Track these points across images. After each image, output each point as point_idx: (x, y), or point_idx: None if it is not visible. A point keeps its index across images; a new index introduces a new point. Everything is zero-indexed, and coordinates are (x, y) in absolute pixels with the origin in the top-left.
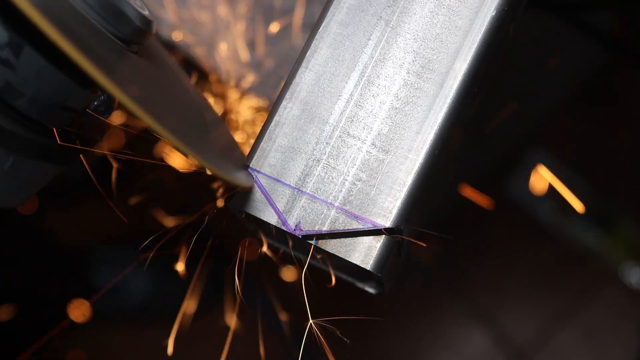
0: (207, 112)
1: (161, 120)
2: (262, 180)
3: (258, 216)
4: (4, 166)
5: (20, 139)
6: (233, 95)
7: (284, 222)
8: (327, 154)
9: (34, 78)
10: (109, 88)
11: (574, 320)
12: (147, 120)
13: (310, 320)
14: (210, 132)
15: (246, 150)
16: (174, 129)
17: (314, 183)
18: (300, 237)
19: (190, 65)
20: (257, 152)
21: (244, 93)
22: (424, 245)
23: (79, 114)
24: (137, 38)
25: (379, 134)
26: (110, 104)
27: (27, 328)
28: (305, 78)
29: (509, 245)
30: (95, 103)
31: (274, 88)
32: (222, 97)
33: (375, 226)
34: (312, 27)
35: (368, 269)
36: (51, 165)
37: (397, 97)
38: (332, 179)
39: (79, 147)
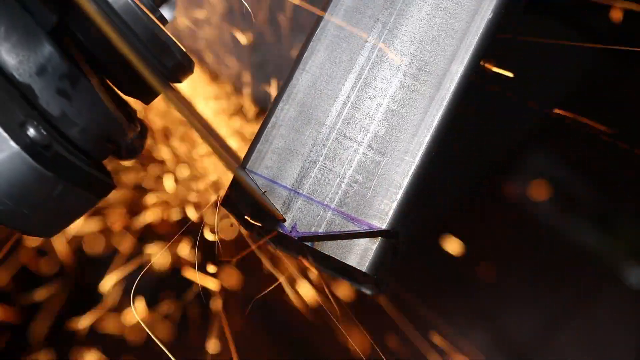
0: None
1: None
2: (259, 181)
3: (254, 218)
4: (53, 192)
5: (70, 166)
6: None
7: (280, 224)
8: (323, 155)
9: (87, 109)
10: (173, 100)
11: (574, 320)
12: (198, 129)
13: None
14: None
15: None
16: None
17: (310, 185)
18: (297, 238)
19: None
20: (254, 154)
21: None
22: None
23: (117, 149)
24: (180, 76)
25: (375, 136)
26: (141, 143)
27: (28, 329)
28: (302, 80)
29: (509, 245)
30: (129, 141)
31: (271, 90)
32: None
33: (371, 228)
34: (310, 29)
35: (364, 271)
36: (91, 197)
37: (394, 99)
38: (329, 180)
39: (112, 182)
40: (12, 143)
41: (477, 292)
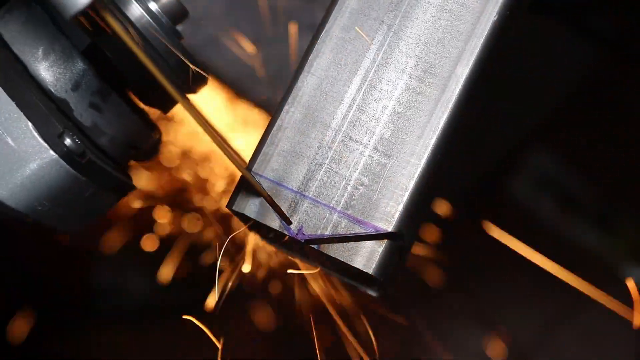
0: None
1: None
2: (265, 184)
3: (261, 221)
4: (85, 194)
5: (101, 171)
6: None
7: (287, 227)
8: (329, 158)
9: (115, 120)
10: (188, 109)
11: (574, 320)
12: (211, 134)
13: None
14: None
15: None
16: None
17: (316, 187)
18: (303, 241)
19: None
20: (260, 157)
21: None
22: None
23: (136, 153)
24: (195, 87)
25: (381, 138)
26: (158, 147)
27: (29, 328)
28: (307, 82)
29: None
30: (148, 146)
31: (276, 92)
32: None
33: (377, 230)
34: (315, 31)
35: (370, 273)
36: (115, 196)
37: (399, 101)
38: (335, 183)
39: (132, 183)
40: (52, 152)
41: (478, 292)
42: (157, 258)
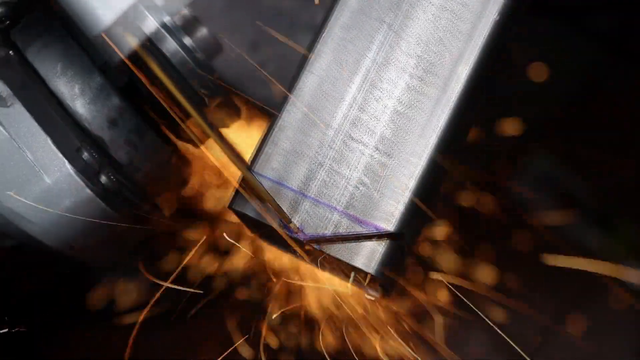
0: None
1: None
2: (266, 184)
3: (261, 220)
4: (117, 228)
5: (133, 206)
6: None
7: (287, 227)
8: (330, 157)
9: (150, 156)
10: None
11: (574, 320)
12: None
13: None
14: None
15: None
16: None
17: (317, 187)
18: (304, 241)
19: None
20: (261, 156)
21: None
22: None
23: (167, 184)
24: (228, 124)
25: (382, 138)
26: (186, 180)
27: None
28: (308, 82)
29: (509, 245)
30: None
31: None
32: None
33: (378, 230)
34: (316, 31)
35: (371, 273)
36: (143, 229)
37: (400, 101)
38: (336, 182)
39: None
40: (88, 190)
41: (477, 291)
42: (157, 258)
